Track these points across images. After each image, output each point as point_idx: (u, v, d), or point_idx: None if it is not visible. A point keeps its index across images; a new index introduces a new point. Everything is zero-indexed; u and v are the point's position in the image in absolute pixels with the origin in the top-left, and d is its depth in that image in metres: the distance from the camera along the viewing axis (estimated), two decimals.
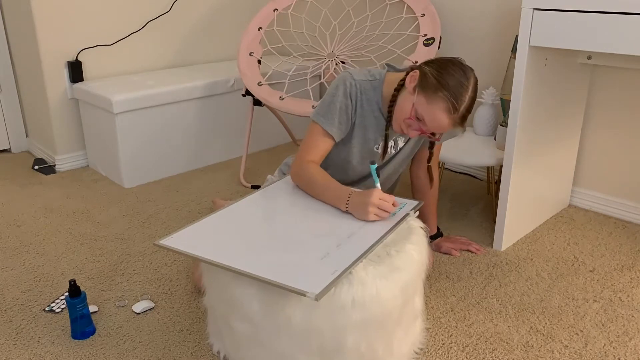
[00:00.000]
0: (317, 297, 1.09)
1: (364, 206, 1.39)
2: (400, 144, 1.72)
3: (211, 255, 1.25)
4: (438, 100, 1.42)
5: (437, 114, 1.43)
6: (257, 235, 1.34)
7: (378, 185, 1.45)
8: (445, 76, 1.43)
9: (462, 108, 1.43)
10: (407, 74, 1.54)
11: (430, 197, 1.93)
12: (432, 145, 1.70)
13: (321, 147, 1.59)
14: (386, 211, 1.40)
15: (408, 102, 1.49)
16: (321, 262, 1.22)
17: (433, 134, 1.52)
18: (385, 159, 1.74)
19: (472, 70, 1.48)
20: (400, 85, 1.54)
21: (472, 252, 2.00)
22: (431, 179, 1.83)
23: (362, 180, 1.79)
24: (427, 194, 1.92)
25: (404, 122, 1.52)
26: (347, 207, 1.44)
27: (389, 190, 1.90)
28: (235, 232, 1.35)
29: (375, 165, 1.45)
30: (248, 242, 1.31)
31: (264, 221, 1.41)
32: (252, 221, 1.41)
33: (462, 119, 1.46)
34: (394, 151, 1.73)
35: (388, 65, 1.68)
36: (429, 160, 1.75)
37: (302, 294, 1.10)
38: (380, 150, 1.68)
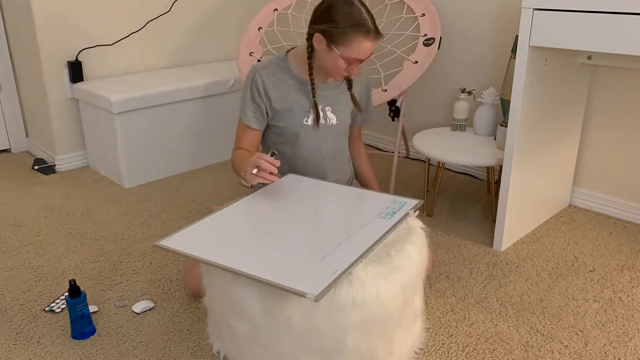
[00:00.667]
0: (317, 298, 1.08)
1: (247, 173, 1.50)
2: (330, 114, 1.76)
3: (211, 256, 1.25)
4: (353, 38, 1.55)
5: (361, 46, 1.56)
6: (257, 235, 1.34)
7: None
8: (338, 18, 1.55)
9: (370, 24, 1.55)
10: (307, 40, 1.65)
11: (368, 168, 2.00)
12: (356, 120, 1.87)
13: (243, 137, 1.74)
14: (265, 170, 1.46)
15: (334, 57, 1.59)
16: (321, 262, 1.21)
17: (368, 56, 1.63)
18: (323, 131, 1.76)
19: None
20: (310, 52, 1.66)
21: None
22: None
23: (323, 162, 1.80)
24: (368, 168, 1.99)
25: (340, 70, 1.62)
26: (244, 179, 1.55)
27: (347, 181, 1.91)
28: (234, 233, 1.35)
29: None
30: (247, 242, 1.31)
31: (263, 221, 1.42)
32: (251, 221, 1.42)
33: (377, 29, 1.58)
34: (324, 122, 1.76)
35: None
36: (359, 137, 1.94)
37: (302, 295, 1.10)
38: (311, 121, 1.74)
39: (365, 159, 1.98)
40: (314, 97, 1.70)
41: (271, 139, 1.79)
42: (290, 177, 1.70)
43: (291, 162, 1.77)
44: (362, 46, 1.57)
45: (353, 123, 1.87)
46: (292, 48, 1.78)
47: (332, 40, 1.57)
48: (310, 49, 1.66)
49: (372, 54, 1.64)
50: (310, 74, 1.68)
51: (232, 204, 1.51)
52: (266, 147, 1.82)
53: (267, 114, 1.73)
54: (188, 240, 1.32)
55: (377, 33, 1.58)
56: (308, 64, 1.67)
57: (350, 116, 1.83)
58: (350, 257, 1.24)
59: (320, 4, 1.61)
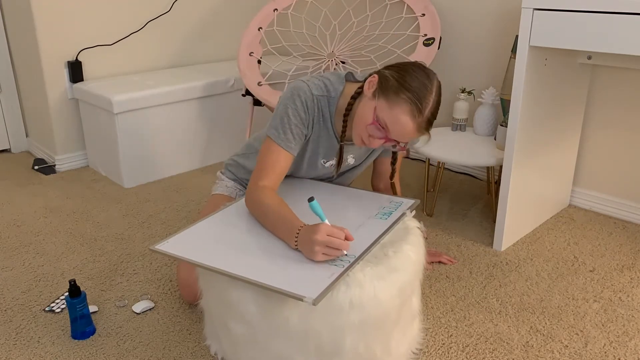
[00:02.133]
0: (315, 302, 1.07)
1: (311, 245, 1.21)
2: (351, 161, 1.61)
3: (208, 260, 1.23)
4: (401, 103, 1.31)
5: (401, 117, 1.31)
6: (253, 238, 1.33)
7: (326, 220, 1.26)
8: (407, 78, 1.32)
9: (427, 111, 1.32)
10: (365, 80, 1.42)
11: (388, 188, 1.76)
12: (394, 160, 1.59)
13: (278, 167, 1.44)
14: (337, 249, 1.20)
15: (368, 108, 1.36)
16: (318, 265, 1.21)
17: (397, 142, 1.39)
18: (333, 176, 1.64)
19: (435, 74, 1.37)
20: (358, 93, 1.42)
21: (443, 264, 1.92)
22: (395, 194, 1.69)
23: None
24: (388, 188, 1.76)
25: (365, 130, 1.38)
26: (296, 245, 1.26)
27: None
28: (230, 236, 1.34)
29: (315, 202, 1.27)
30: (243, 245, 1.30)
31: (258, 224, 1.40)
32: (247, 224, 1.40)
33: (428, 123, 1.34)
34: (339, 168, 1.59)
35: (348, 74, 1.52)
36: (391, 177, 1.63)
37: (299, 299, 1.09)
38: (333, 165, 1.58)
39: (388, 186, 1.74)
40: (341, 140, 1.48)
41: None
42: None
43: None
44: (402, 120, 1.31)
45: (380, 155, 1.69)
46: (354, 80, 1.51)
47: (382, 88, 1.34)
48: (359, 93, 1.42)
49: (401, 144, 1.39)
50: (345, 115, 1.44)
51: (227, 207, 1.50)
52: None
53: (305, 140, 1.50)
54: (184, 244, 1.30)
55: (425, 125, 1.34)
56: (348, 104, 1.43)
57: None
58: (347, 259, 1.23)
59: (408, 61, 1.39)
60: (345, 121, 1.44)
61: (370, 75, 1.41)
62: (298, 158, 1.56)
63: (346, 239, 1.22)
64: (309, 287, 1.12)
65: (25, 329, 1.59)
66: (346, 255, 1.24)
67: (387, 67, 1.39)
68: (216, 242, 1.31)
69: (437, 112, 1.36)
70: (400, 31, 2.67)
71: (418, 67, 1.36)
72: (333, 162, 1.59)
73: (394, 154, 1.58)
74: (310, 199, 1.27)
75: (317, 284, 1.13)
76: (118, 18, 2.82)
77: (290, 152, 1.45)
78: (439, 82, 1.37)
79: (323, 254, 1.21)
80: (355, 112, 1.42)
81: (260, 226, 1.39)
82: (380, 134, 1.36)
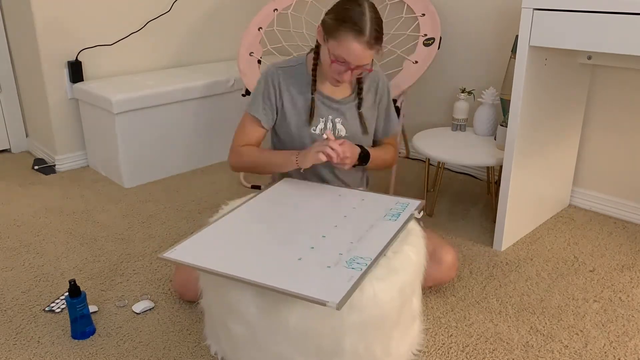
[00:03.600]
0: (338, 306, 1.07)
1: (310, 152, 1.53)
2: (339, 126, 1.70)
3: (221, 267, 1.21)
4: (342, 34, 1.49)
5: (348, 45, 1.48)
6: (264, 243, 1.31)
7: (324, 136, 1.58)
8: (339, 13, 1.50)
9: (367, 28, 1.48)
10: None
11: (380, 152, 1.79)
12: (376, 133, 1.80)
13: (250, 132, 1.69)
14: (331, 148, 1.50)
15: (325, 52, 1.56)
16: (335, 269, 1.20)
17: (362, 67, 1.56)
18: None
19: None
20: (316, 47, 1.62)
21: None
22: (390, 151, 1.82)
23: (328, 170, 1.74)
24: (380, 152, 1.79)
25: (331, 71, 1.57)
26: (297, 162, 1.57)
27: (358, 182, 1.84)
28: (239, 241, 1.32)
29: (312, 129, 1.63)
30: (255, 251, 1.28)
31: (268, 228, 1.39)
32: (255, 229, 1.39)
33: (375, 39, 1.50)
34: (333, 133, 1.69)
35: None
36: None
37: (322, 304, 1.08)
38: (319, 130, 1.68)
39: (384, 148, 1.81)
40: (312, 94, 1.66)
41: (279, 142, 1.74)
42: (287, 182, 1.69)
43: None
44: (350, 46, 1.48)
45: (375, 135, 1.80)
46: (312, 50, 1.72)
47: (326, 31, 1.53)
48: (317, 45, 1.63)
49: (367, 64, 1.55)
50: (314, 73, 1.64)
51: (232, 211, 1.48)
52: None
53: (276, 114, 1.69)
54: (193, 251, 1.28)
55: (371, 40, 1.48)
56: (313, 60, 1.64)
57: (370, 129, 1.75)
58: (364, 261, 1.23)
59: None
60: (314, 74, 1.65)
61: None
62: (286, 129, 1.69)
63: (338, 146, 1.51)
64: (329, 291, 1.11)
65: (25, 329, 1.59)
66: (353, 253, 1.28)
67: (326, 13, 1.56)
68: (226, 248, 1.29)
69: (379, 27, 1.51)
70: (400, 31, 2.67)
71: (349, 0, 1.53)
72: (321, 126, 1.69)
73: (359, 101, 1.71)
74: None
75: (337, 288, 1.12)
76: (118, 18, 2.82)
77: (259, 119, 1.67)
78: (371, 2, 1.53)
79: (321, 152, 1.50)
80: (320, 62, 1.63)
81: (269, 231, 1.37)
82: (344, 67, 1.54)
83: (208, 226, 1.40)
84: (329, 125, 1.69)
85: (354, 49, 1.49)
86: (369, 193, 1.62)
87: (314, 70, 1.65)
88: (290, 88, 1.67)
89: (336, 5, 1.54)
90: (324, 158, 1.51)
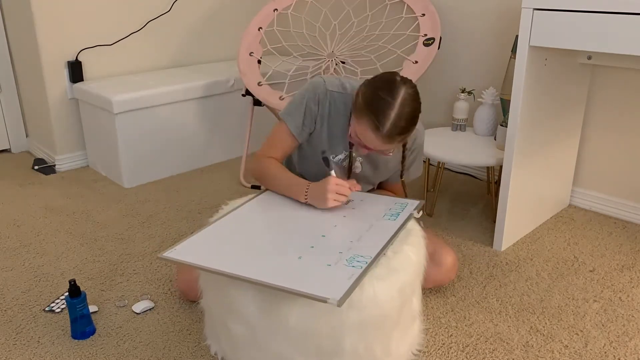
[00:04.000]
0: (339, 303, 1.07)
1: (322, 194, 1.45)
2: (357, 164, 1.67)
3: (222, 266, 1.21)
4: (364, 120, 1.40)
5: (366, 132, 1.41)
6: (264, 242, 1.31)
7: (332, 172, 1.49)
8: (369, 96, 1.40)
9: (387, 125, 1.37)
10: None
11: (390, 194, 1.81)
12: (402, 172, 1.70)
13: (284, 145, 1.62)
14: (344, 195, 1.45)
15: (353, 121, 1.47)
16: (335, 267, 1.20)
17: (381, 151, 1.48)
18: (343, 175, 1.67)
19: (406, 85, 1.40)
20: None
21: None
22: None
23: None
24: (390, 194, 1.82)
25: (351, 140, 1.51)
26: (306, 198, 1.49)
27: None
28: (240, 240, 1.32)
29: (325, 155, 1.55)
30: (256, 250, 1.28)
31: (268, 227, 1.39)
32: (255, 228, 1.38)
33: (399, 133, 1.40)
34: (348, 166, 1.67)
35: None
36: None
37: (323, 300, 1.08)
38: (344, 164, 1.64)
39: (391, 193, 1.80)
40: (350, 147, 1.58)
41: (297, 153, 1.72)
42: None
43: (301, 172, 1.72)
44: (368, 135, 1.40)
45: (389, 177, 1.77)
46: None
47: (354, 105, 1.44)
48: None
49: (386, 151, 1.47)
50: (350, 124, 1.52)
51: (232, 212, 1.48)
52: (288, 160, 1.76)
53: (312, 131, 1.61)
54: (194, 250, 1.28)
55: (390, 135, 1.38)
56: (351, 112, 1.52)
57: (385, 175, 1.73)
58: (364, 260, 1.23)
59: (386, 74, 1.45)
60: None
61: None
62: (312, 148, 1.64)
63: (350, 188, 1.46)
64: (330, 288, 1.12)
65: (25, 329, 1.59)
66: (359, 252, 1.28)
67: (364, 83, 1.45)
68: (226, 247, 1.29)
69: (406, 122, 1.39)
70: (400, 31, 2.67)
71: (385, 83, 1.40)
72: (341, 157, 1.64)
73: (403, 159, 1.66)
74: (322, 152, 1.56)
75: (337, 285, 1.13)
76: (118, 18, 2.82)
77: (295, 134, 1.59)
78: (411, 92, 1.39)
79: (334, 200, 1.44)
80: None
81: (268, 230, 1.37)
82: (362, 143, 1.47)
83: (208, 226, 1.40)
84: (346, 161, 1.64)
85: (371, 138, 1.41)
86: (369, 194, 1.62)
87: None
88: (333, 113, 1.58)
89: (372, 82, 1.43)
90: (338, 204, 1.46)
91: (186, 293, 1.69)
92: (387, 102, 1.37)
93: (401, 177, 1.70)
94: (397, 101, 1.38)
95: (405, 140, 1.46)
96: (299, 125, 1.59)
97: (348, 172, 1.65)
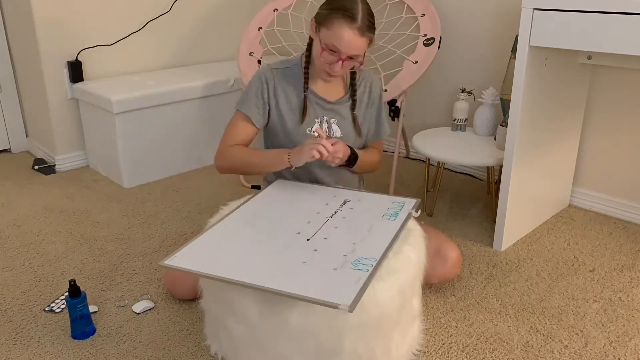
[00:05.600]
0: (350, 309, 1.06)
1: (303, 150, 1.49)
2: (334, 127, 1.70)
3: (227, 273, 1.19)
4: (334, 21, 1.49)
5: (339, 32, 1.49)
6: (266, 246, 1.30)
7: (313, 132, 1.62)
8: (332, 2, 1.52)
9: (359, 15, 1.48)
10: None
11: (367, 155, 1.81)
12: (377, 134, 1.80)
13: (241, 131, 1.66)
14: (323, 145, 1.48)
15: (316, 43, 1.56)
16: (341, 271, 1.20)
17: (352, 58, 1.54)
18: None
19: None
20: (309, 44, 1.63)
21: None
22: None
23: (323, 171, 1.74)
24: (367, 155, 1.81)
25: (321, 61, 1.56)
26: (289, 160, 1.54)
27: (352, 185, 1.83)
28: (241, 245, 1.31)
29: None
30: (259, 254, 1.27)
31: (268, 230, 1.38)
32: (255, 232, 1.37)
33: (367, 27, 1.50)
34: (327, 133, 1.69)
35: None
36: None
37: (334, 306, 1.07)
38: (312, 130, 1.67)
39: (371, 152, 1.81)
40: (304, 92, 1.65)
41: (272, 143, 1.73)
42: (281, 183, 1.68)
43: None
44: (342, 33, 1.48)
45: (365, 138, 1.80)
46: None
47: (318, 21, 1.54)
48: (309, 43, 1.63)
49: (359, 56, 1.54)
50: (306, 72, 1.64)
51: (231, 214, 1.47)
52: (267, 148, 1.77)
53: (269, 114, 1.67)
54: (195, 257, 1.26)
55: (363, 27, 1.49)
56: (305, 57, 1.64)
57: (363, 131, 1.76)
58: (369, 262, 1.23)
59: None
60: (306, 73, 1.64)
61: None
62: (282, 128, 1.68)
63: (329, 148, 1.49)
64: (340, 293, 1.11)
65: (25, 329, 1.59)
66: (366, 260, 1.26)
67: (320, 7, 1.57)
68: (228, 253, 1.27)
69: (371, 17, 1.52)
70: (400, 31, 2.67)
71: None
72: (317, 126, 1.68)
73: (353, 104, 1.72)
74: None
75: (346, 290, 1.12)
76: (118, 18, 2.82)
77: (250, 117, 1.65)
78: None
79: (315, 150, 1.47)
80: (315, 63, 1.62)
81: (269, 234, 1.37)
82: (334, 57, 1.54)
83: (208, 230, 1.39)
84: (325, 125, 1.69)
85: (346, 35, 1.49)
86: (365, 193, 1.62)
87: (306, 68, 1.64)
88: (286, 88, 1.66)
89: None
90: (317, 155, 1.48)
91: (172, 291, 1.70)
92: (351, 0, 1.50)
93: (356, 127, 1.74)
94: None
95: (373, 39, 1.55)
96: (251, 108, 1.64)
97: (303, 115, 1.67)
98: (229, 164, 1.65)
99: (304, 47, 1.70)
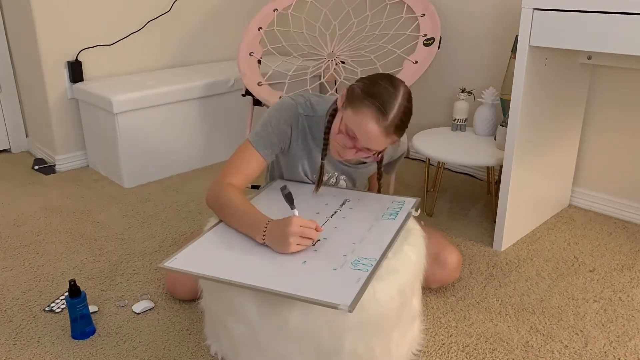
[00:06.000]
0: (350, 309, 1.06)
1: (284, 237, 1.25)
2: (342, 182, 1.66)
3: (227, 275, 1.19)
4: (364, 109, 1.32)
5: (365, 122, 1.32)
6: (265, 248, 1.30)
7: (295, 211, 1.34)
8: (370, 86, 1.35)
9: (392, 114, 1.32)
10: None
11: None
12: (379, 175, 1.60)
13: (248, 168, 1.48)
14: (309, 238, 1.27)
15: (338, 119, 1.40)
16: (341, 271, 1.19)
17: (369, 150, 1.40)
18: (325, 188, 1.63)
19: (403, 82, 1.38)
20: (334, 110, 1.46)
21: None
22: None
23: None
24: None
25: (336, 142, 1.41)
26: (264, 239, 1.29)
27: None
28: (241, 246, 1.31)
29: (288, 190, 1.36)
30: (258, 255, 1.26)
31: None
32: None
33: (395, 128, 1.34)
34: (332, 182, 1.65)
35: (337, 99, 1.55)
36: (378, 191, 1.66)
37: (334, 307, 1.07)
38: (314, 180, 1.61)
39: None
40: (322, 158, 1.50)
41: (275, 164, 1.67)
42: (280, 183, 1.68)
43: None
44: (367, 124, 1.32)
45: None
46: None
47: (349, 98, 1.37)
48: (335, 107, 1.47)
49: (378, 151, 1.41)
50: (325, 133, 1.48)
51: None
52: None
53: (285, 149, 1.55)
54: (195, 259, 1.25)
55: (391, 128, 1.33)
56: (327, 122, 1.48)
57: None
58: (369, 262, 1.23)
59: (378, 73, 1.42)
60: (326, 138, 1.48)
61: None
62: (290, 163, 1.60)
63: (316, 229, 1.28)
64: (340, 293, 1.11)
65: (25, 329, 1.59)
66: (367, 260, 1.25)
67: (357, 80, 1.40)
68: (228, 254, 1.27)
69: (405, 118, 1.36)
70: (400, 31, 2.67)
71: (385, 76, 1.37)
72: (325, 178, 1.60)
73: (379, 169, 1.60)
74: (283, 187, 1.35)
75: (346, 290, 1.12)
76: (118, 18, 2.82)
77: (263, 156, 1.50)
78: (408, 90, 1.38)
79: (297, 244, 1.25)
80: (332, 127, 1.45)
81: None
82: (350, 143, 1.38)
83: (207, 232, 1.38)
84: (332, 180, 1.64)
85: (370, 128, 1.32)
86: (364, 193, 1.62)
87: (326, 134, 1.47)
88: (308, 137, 1.53)
89: (371, 76, 1.38)
90: (302, 248, 1.28)
91: (172, 292, 1.70)
92: (390, 91, 1.33)
93: (379, 179, 1.62)
94: (399, 92, 1.34)
95: (396, 141, 1.40)
96: (267, 150, 1.49)
97: (317, 185, 1.55)
98: (214, 200, 1.44)
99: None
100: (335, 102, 1.51)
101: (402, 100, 1.34)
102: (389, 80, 1.36)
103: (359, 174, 1.67)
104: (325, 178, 1.61)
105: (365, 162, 1.63)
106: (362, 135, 1.34)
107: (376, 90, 1.33)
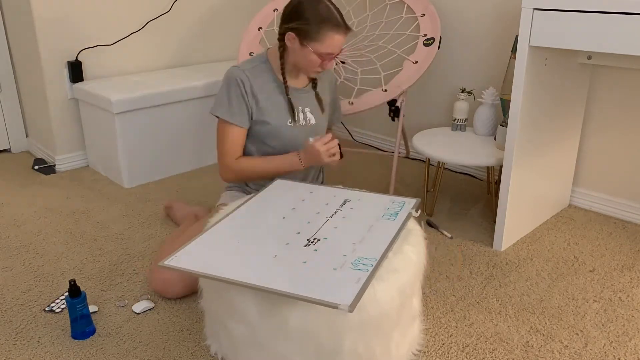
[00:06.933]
0: (350, 309, 1.06)
1: (317, 155, 1.65)
2: (309, 115, 1.81)
3: (228, 273, 1.19)
4: (325, 34, 1.62)
5: (332, 41, 1.63)
6: (266, 246, 1.30)
7: (311, 139, 1.68)
8: (309, 16, 1.61)
9: (339, 18, 1.63)
10: (280, 40, 1.71)
11: None
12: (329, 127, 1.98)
13: (233, 140, 1.73)
14: (335, 149, 1.66)
15: (308, 54, 1.65)
16: (341, 270, 1.19)
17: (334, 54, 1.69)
18: (304, 130, 1.80)
19: None
20: (282, 50, 1.72)
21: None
22: None
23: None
24: None
25: (317, 67, 1.68)
26: (302, 165, 1.70)
27: (317, 173, 1.95)
28: (241, 245, 1.31)
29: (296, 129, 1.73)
30: (259, 255, 1.27)
31: (268, 231, 1.38)
32: (255, 232, 1.37)
33: (345, 23, 1.65)
34: (304, 122, 1.81)
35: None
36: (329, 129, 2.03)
37: (334, 307, 1.07)
38: (298, 122, 1.78)
39: None
40: (287, 94, 1.75)
41: (256, 133, 1.77)
42: (280, 183, 1.68)
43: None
44: (334, 40, 1.63)
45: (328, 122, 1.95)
46: (270, 47, 1.81)
47: (304, 37, 1.63)
48: (282, 49, 1.71)
49: (342, 48, 1.68)
50: (283, 73, 1.73)
51: (231, 214, 1.47)
52: (252, 141, 1.79)
53: (252, 114, 1.74)
54: (195, 257, 1.26)
55: (346, 27, 1.64)
56: (280, 64, 1.72)
57: (326, 109, 1.89)
58: (369, 262, 1.23)
59: (289, 3, 1.67)
60: (282, 63, 1.72)
61: (280, 36, 1.70)
62: (265, 126, 1.75)
63: (332, 140, 1.67)
64: (340, 293, 1.11)
65: (25, 329, 1.59)
66: (367, 260, 1.26)
67: (285, 21, 1.66)
68: (228, 253, 1.27)
69: (339, 9, 1.65)
70: (400, 31, 2.67)
71: (303, 2, 1.63)
72: (295, 117, 1.78)
73: (317, 96, 1.84)
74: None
75: (346, 290, 1.12)
76: (118, 18, 2.82)
77: (239, 124, 1.72)
78: None
79: (329, 156, 1.67)
80: (292, 63, 1.72)
81: (269, 234, 1.36)
82: (325, 59, 1.67)
83: (207, 231, 1.39)
84: (301, 115, 1.78)
85: (338, 41, 1.65)
86: (365, 193, 1.62)
87: (283, 71, 1.73)
88: (262, 86, 1.73)
89: (298, 10, 1.63)
90: (337, 158, 1.68)
91: (163, 292, 1.69)
92: (323, 6, 1.61)
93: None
94: (325, 1, 1.63)
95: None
96: (236, 114, 1.71)
97: (292, 114, 1.76)
98: (237, 176, 1.76)
99: None
100: (267, 51, 1.78)
101: (331, 3, 1.64)
102: (309, 1, 1.62)
103: (310, 96, 1.82)
104: (295, 116, 1.78)
105: (308, 85, 1.82)
106: (336, 49, 1.65)
107: (316, 14, 1.60)
